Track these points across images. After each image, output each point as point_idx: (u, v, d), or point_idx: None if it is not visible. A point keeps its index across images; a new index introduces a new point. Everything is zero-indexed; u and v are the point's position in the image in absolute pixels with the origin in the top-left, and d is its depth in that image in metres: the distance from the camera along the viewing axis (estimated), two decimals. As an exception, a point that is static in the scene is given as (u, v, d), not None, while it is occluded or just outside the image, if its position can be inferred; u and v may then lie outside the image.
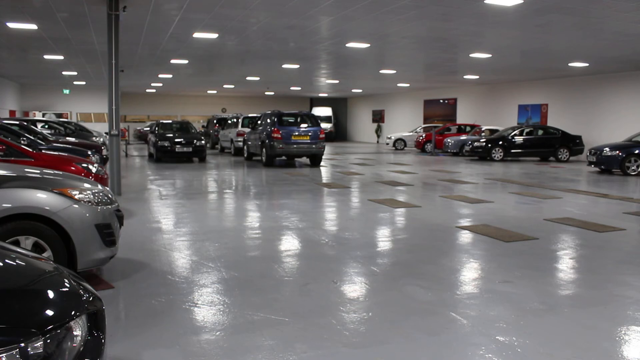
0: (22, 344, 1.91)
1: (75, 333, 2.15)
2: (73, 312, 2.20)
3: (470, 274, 5.49)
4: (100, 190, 4.89)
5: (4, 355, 1.86)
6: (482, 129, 24.67)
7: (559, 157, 21.28)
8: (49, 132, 17.17)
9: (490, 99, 28.59)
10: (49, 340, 1.99)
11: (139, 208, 9.05)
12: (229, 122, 24.39)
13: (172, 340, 3.68)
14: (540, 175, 15.48)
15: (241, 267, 5.53)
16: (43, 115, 31.68)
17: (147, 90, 36.58)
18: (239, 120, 22.56)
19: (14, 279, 2.38)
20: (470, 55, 16.88)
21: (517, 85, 26.67)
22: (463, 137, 24.30)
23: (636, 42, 13.66)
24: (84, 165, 7.84)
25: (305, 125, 18.11)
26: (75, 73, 24.33)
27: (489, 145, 21.26)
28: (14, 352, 1.88)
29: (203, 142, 19.26)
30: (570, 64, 18.88)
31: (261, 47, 15.75)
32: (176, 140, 19.16)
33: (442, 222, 8.09)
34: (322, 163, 18.73)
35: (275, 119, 17.78)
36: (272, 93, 38.20)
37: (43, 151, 8.82)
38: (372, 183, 13.17)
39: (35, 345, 1.95)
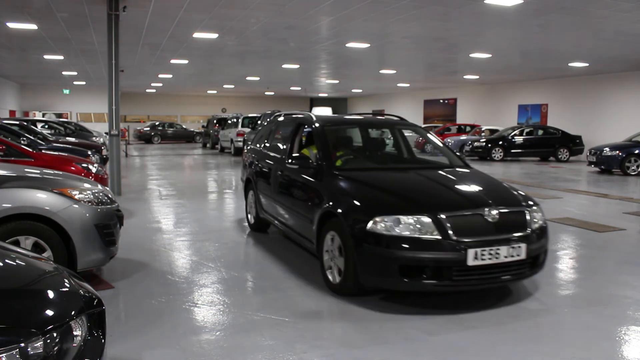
0: (22, 344, 1.91)
1: (75, 333, 2.15)
2: (73, 312, 2.20)
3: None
4: (100, 190, 4.88)
5: (4, 355, 1.86)
6: (482, 129, 24.67)
7: (559, 157, 21.27)
8: (49, 132, 17.16)
9: (490, 99, 28.59)
10: (49, 340, 1.99)
11: (139, 208, 9.04)
12: (229, 122, 24.38)
13: (172, 340, 3.68)
14: (540, 175, 15.47)
15: (241, 267, 5.53)
16: (43, 115, 31.68)
17: (147, 90, 36.58)
18: (239, 120, 22.54)
19: (14, 279, 2.38)
20: (470, 55, 16.87)
21: (517, 85, 26.66)
22: (463, 137, 24.28)
23: (636, 42, 13.65)
24: (84, 165, 7.84)
25: None
26: (75, 73, 24.32)
27: (489, 145, 21.25)
28: (14, 352, 1.88)
29: (541, 222, 4.63)
30: (570, 64, 18.87)
31: (261, 47, 15.74)
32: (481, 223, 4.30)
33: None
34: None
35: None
36: (272, 93, 38.21)
37: (43, 151, 8.81)
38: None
39: (35, 345, 1.95)
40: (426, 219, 4.12)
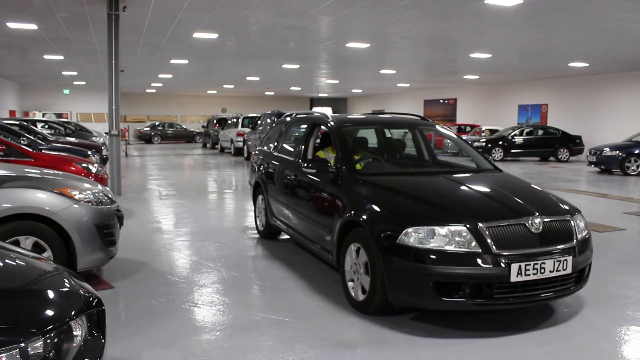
0: (22, 344, 1.91)
1: (75, 333, 2.15)
2: (73, 312, 2.20)
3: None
4: (100, 190, 4.89)
5: (4, 355, 1.86)
6: (482, 129, 24.67)
7: (559, 157, 21.27)
8: (49, 132, 17.16)
9: (490, 99, 28.59)
10: (49, 340, 1.99)
11: (139, 208, 9.04)
12: (229, 122, 24.40)
13: (172, 340, 3.68)
14: (540, 175, 15.47)
15: (241, 267, 5.53)
16: (43, 115, 31.68)
17: (147, 90, 36.59)
18: (239, 120, 22.55)
19: (14, 279, 2.38)
20: (470, 55, 16.88)
21: (517, 85, 26.66)
22: (463, 137, 24.30)
23: (636, 42, 13.66)
24: (84, 165, 7.84)
25: None
26: (75, 73, 24.33)
27: (489, 145, 21.25)
28: (14, 352, 1.88)
29: (585, 231, 4.37)
30: (570, 64, 18.88)
31: (261, 47, 15.75)
32: None
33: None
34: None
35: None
36: (272, 93, 38.21)
37: (43, 151, 8.81)
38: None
39: (35, 345, 1.95)
40: (464, 230, 3.71)
